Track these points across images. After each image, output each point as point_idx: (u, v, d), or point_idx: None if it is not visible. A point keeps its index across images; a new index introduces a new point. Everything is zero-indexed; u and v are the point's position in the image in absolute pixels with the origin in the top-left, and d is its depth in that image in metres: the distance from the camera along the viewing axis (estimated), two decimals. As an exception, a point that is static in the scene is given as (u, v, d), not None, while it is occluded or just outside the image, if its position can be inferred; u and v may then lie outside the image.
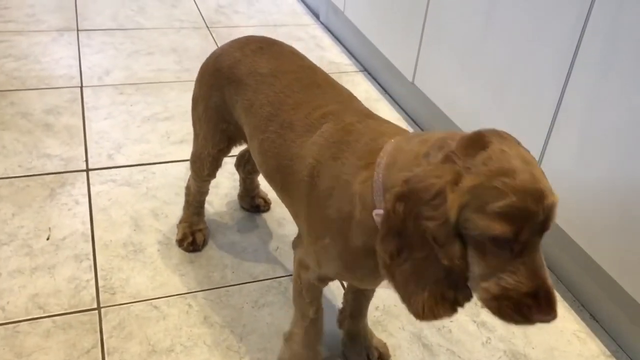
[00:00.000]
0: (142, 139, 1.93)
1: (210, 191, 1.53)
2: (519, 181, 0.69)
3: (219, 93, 1.27)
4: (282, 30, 2.84)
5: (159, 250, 1.51)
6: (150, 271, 1.45)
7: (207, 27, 2.79)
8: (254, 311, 1.38)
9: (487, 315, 1.40)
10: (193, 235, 1.52)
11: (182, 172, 1.77)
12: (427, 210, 0.72)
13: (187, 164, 1.85)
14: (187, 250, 1.51)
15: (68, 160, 1.80)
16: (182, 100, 2.16)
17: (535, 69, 1.51)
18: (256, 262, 1.51)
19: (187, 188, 1.52)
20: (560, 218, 1.50)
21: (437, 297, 0.76)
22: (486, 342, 1.37)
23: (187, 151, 1.88)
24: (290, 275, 1.46)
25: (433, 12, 1.93)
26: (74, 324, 1.30)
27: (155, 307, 1.36)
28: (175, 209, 1.63)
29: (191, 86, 2.31)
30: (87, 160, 1.80)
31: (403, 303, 0.79)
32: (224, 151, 1.37)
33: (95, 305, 1.35)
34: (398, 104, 2.30)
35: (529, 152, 0.75)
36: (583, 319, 1.46)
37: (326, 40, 2.80)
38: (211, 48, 2.56)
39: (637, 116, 1.23)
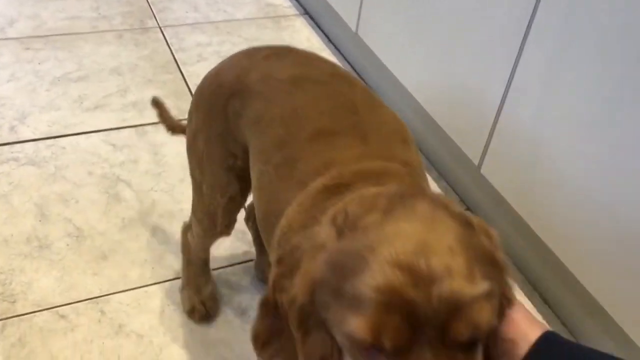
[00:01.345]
0: (52, 106, 1.70)
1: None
2: (388, 252, 0.46)
3: (221, 115, 0.92)
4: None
5: (67, 245, 1.33)
6: (58, 271, 1.28)
7: (129, -37, 2.48)
8: (176, 315, 1.23)
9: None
10: (204, 304, 1.22)
11: (96, 146, 1.57)
12: (286, 287, 0.53)
13: (102, 134, 1.65)
14: (200, 322, 1.22)
15: (-38, 134, 1.56)
16: (98, 55, 1.92)
17: (488, 33, 1.34)
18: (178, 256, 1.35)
19: (186, 246, 1.19)
20: (503, 193, 1.38)
21: None
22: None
23: (102, 119, 1.67)
24: (218, 268, 1.31)
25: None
26: None
27: (62, 316, 1.20)
28: (87, 192, 1.44)
29: (110, 38, 2.07)
30: (-16, 134, 1.57)
31: None
32: (236, 200, 1.01)
33: (-10, 318, 1.18)
34: (342, 55, 2.10)
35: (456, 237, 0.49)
36: (535, 305, 1.37)
37: (264, -23, 2.53)
38: (134, -11, 2.28)
39: (593, 90, 1.09)
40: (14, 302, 1.21)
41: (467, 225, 0.51)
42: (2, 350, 1.13)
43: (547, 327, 0.57)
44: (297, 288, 0.51)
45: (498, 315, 0.51)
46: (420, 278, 0.45)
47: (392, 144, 0.80)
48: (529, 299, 1.36)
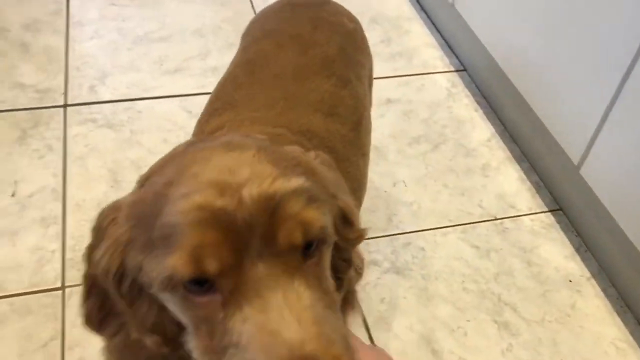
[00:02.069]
0: (132, 66, 1.68)
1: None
2: (190, 177, 0.42)
3: None
4: None
5: (137, 215, 1.32)
6: (126, 241, 1.27)
7: None
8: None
9: (511, 314, 1.20)
10: None
11: (173, 112, 1.53)
12: (96, 257, 0.47)
13: (179, 100, 1.61)
14: None
15: (44, 92, 1.57)
16: (182, 14, 1.87)
17: (609, 16, 1.18)
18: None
19: None
20: (602, 197, 1.24)
21: None
22: (507, 349, 1.18)
23: (181, 84, 1.64)
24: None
25: None
26: (34, 307, 1.14)
27: (127, 288, 1.19)
28: (161, 161, 1.42)
29: (196, -7, 2.02)
30: (65, 94, 1.57)
31: None
32: None
33: (59, 284, 1.18)
34: (435, 26, 1.96)
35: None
36: (626, 324, 1.24)
37: (357, -64, 2.39)
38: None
39: None
40: (80, 270, 1.21)
41: (280, 147, 0.48)
42: (68, 318, 1.13)
43: None
44: (105, 256, 0.45)
45: (336, 225, 0.48)
46: (228, 188, 0.40)
47: (307, 114, 0.79)
48: (621, 317, 1.23)
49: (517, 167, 1.52)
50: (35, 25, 1.76)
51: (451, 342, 1.18)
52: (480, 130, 1.62)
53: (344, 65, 0.89)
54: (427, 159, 1.52)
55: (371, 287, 1.25)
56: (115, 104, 1.56)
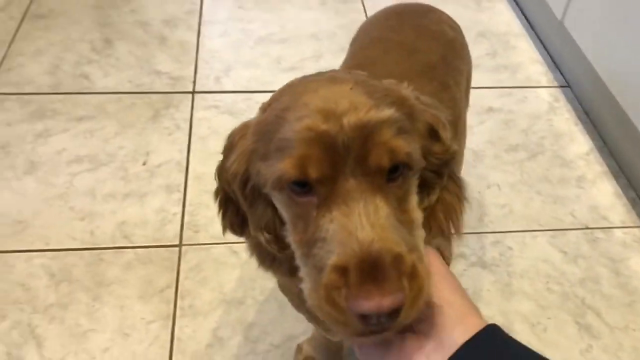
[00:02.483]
0: (253, 63, 1.85)
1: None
2: (302, 105, 0.50)
3: None
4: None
5: (248, 191, 1.46)
6: (236, 212, 1.41)
7: None
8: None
9: (594, 318, 1.23)
10: None
11: (286, 105, 1.68)
12: (227, 165, 0.57)
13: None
14: None
15: (177, 79, 1.76)
16: (300, 19, 2.03)
17: None
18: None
19: None
20: None
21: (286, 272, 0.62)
22: (586, 350, 1.20)
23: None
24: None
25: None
26: (154, 259, 1.31)
27: (235, 252, 1.33)
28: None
29: (313, 4, 2.18)
30: (194, 82, 1.76)
31: None
32: None
33: (177, 242, 1.34)
34: (542, 43, 2.00)
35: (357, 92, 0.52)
36: None
37: (472, -44, 2.47)
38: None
39: None
40: (197, 231, 1.37)
41: (369, 77, 0.56)
42: (183, 270, 1.29)
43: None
44: (235, 163, 0.55)
45: (424, 140, 0.54)
46: (331, 115, 0.49)
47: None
48: None
49: (614, 182, 1.54)
50: (173, 21, 1.98)
51: (530, 335, 1.22)
52: (579, 144, 1.64)
53: (444, 71, 0.97)
54: (523, 167, 1.57)
55: (456, 276, 1.32)
56: (236, 94, 1.73)
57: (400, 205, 0.51)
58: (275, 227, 0.57)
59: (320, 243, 0.49)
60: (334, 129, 0.48)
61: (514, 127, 1.68)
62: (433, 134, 0.56)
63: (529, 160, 1.59)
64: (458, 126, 0.95)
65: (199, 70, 1.80)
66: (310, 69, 1.82)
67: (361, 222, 0.48)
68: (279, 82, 1.78)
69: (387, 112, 0.50)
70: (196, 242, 1.34)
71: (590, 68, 1.64)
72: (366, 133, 0.48)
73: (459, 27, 1.10)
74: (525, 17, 2.11)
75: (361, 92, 0.51)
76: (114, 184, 1.45)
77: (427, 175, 0.57)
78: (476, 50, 1.94)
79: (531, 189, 1.51)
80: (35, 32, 1.89)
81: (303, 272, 0.52)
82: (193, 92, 1.72)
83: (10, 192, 1.42)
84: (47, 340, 1.16)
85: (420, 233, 0.54)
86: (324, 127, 0.48)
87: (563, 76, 1.86)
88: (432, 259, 0.54)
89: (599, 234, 1.42)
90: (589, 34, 1.67)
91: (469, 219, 1.44)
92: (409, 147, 0.51)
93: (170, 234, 1.36)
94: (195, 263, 1.30)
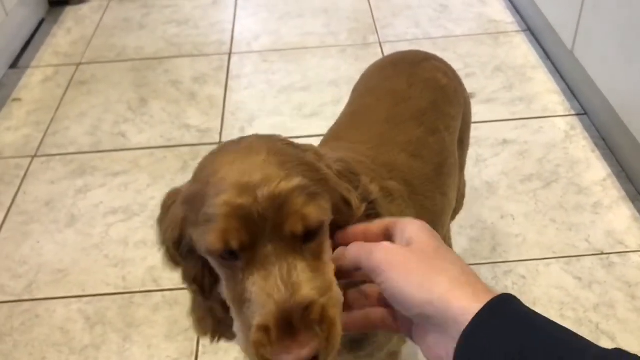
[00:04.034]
0: (276, 111, 1.96)
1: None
2: (219, 179, 0.57)
3: None
4: (442, -17, 2.63)
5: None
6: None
7: (363, -17, 2.68)
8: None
9: (609, 343, 1.23)
10: None
11: (306, 149, 1.77)
12: (162, 228, 0.65)
13: (314, 139, 1.83)
14: None
15: (204, 132, 1.89)
16: (321, 68, 2.14)
17: None
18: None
19: None
20: None
21: (197, 319, 0.70)
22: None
23: (314, 126, 1.88)
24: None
25: (596, -28, 1.63)
26: (180, 300, 1.40)
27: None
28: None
29: (334, 52, 2.30)
30: (221, 133, 1.88)
31: None
32: None
33: (201, 284, 1.43)
34: (559, 73, 2.02)
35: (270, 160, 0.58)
36: None
37: (491, -7, 2.54)
38: (364, 7, 2.48)
39: None
40: (220, 273, 1.45)
41: (288, 144, 0.63)
42: (205, 311, 1.37)
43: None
44: (168, 229, 0.62)
45: (336, 213, 0.60)
46: (247, 189, 0.55)
47: (394, 152, 0.94)
48: None
49: (631, 205, 1.54)
50: (203, 78, 2.13)
51: None
52: (596, 170, 1.65)
53: (434, 117, 1.02)
54: (537, 196, 1.59)
55: (469, 307, 1.35)
56: (259, 142, 1.83)
57: (314, 256, 0.58)
58: (202, 279, 0.64)
59: (247, 303, 0.57)
60: (249, 201, 0.55)
61: (529, 158, 1.71)
62: (346, 203, 0.63)
63: (543, 189, 1.61)
64: (444, 168, 1.00)
65: (225, 122, 1.92)
66: (330, 113, 1.92)
67: (277, 283, 0.55)
68: (300, 127, 1.90)
69: (296, 181, 0.56)
70: (219, 283, 1.43)
71: (602, 96, 1.66)
72: (279, 203, 0.55)
73: (454, 73, 1.15)
74: (542, 49, 2.15)
75: (273, 163, 0.57)
76: (145, 232, 1.57)
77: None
78: (492, 85, 2.00)
79: (545, 218, 1.53)
80: (79, 97, 2.07)
81: (236, 327, 0.60)
82: (219, 143, 1.84)
83: (53, 244, 1.55)
84: (81, 379, 1.26)
85: (331, 269, 0.60)
86: (240, 201, 0.55)
87: (580, 104, 1.88)
88: (420, 233, 0.56)
89: (614, 258, 1.42)
90: (597, 63, 1.69)
91: (483, 249, 1.47)
92: (320, 212, 0.57)
93: (195, 276, 1.45)
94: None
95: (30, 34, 2.41)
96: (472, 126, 1.80)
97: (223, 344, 1.29)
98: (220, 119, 1.94)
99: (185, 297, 1.38)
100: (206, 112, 1.97)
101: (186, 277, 0.65)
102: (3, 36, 2.18)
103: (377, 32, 2.32)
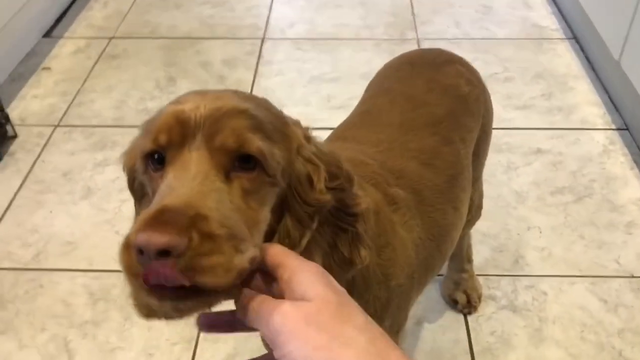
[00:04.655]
0: (303, 100, 1.91)
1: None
2: (178, 100, 0.56)
3: None
4: (487, -16, 2.55)
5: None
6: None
7: (407, -22, 2.61)
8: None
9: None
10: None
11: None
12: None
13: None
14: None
15: (229, 115, 1.85)
16: (353, 60, 2.08)
17: None
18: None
19: None
20: None
21: None
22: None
23: (341, 118, 1.81)
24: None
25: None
26: (186, 284, 1.36)
27: None
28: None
29: (368, 45, 2.23)
30: (245, 118, 1.84)
31: None
32: None
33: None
34: (602, 85, 1.93)
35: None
36: None
37: (537, -3, 2.44)
38: (404, 2, 2.41)
39: None
40: (229, 260, 1.41)
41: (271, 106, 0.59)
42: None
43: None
44: (124, 161, 0.61)
45: (294, 193, 0.56)
46: (195, 103, 0.53)
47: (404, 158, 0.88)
48: None
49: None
50: (233, 62, 2.09)
51: (558, 386, 1.16)
52: (633, 188, 1.56)
53: (451, 127, 0.95)
54: (567, 209, 1.51)
55: (484, 320, 1.28)
56: (283, 130, 1.79)
57: (246, 199, 0.52)
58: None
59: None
60: (190, 109, 0.53)
61: (562, 170, 1.63)
62: (308, 179, 0.57)
63: (575, 204, 1.53)
64: (456, 180, 0.93)
65: (251, 107, 1.88)
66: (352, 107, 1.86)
67: (182, 185, 0.49)
68: (327, 119, 1.84)
69: (247, 106, 0.53)
70: (227, 270, 1.39)
71: (646, 110, 1.58)
72: (219, 116, 0.52)
73: (478, 79, 1.07)
74: (587, 59, 2.05)
75: (234, 96, 0.55)
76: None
77: (301, 216, 0.58)
78: (530, 92, 1.92)
79: (574, 233, 1.45)
80: (108, 71, 2.05)
81: None
82: (243, 128, 1.80)
83: (66, 215, 1.53)
84: (78, 354, 1.24)
85: (258, 240, 0.53)
86: (181, 108, 0.53)
87: (622, 118, 1.79)
88: (318, 286, 0.49)
89: (645, 283, 1.34)
90: (644, 75, 1.60)
91: (505, 260, 1.40)
92: (264, 144, 0.52)
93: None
94: (224, 290, 1.34)
95: (67, 4, 2.40)
96: (506, 132, 1.74)
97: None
98: (246, 104, 1.89)
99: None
100: (233, 95, 1.93)
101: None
102: (39, 5, 2.17)
103: (415, 29, 2.25)
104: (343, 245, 0.60)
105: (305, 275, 0.49)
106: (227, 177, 0.52)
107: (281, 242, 0.56)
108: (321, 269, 0.51)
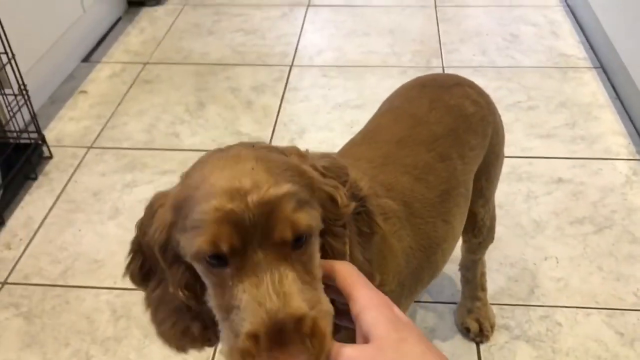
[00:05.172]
0: (327, 126, 1.95)
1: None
2: (210, 185, 0.57)
3: None
4: (515, 12, 2.56)
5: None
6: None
7: (434, 5, 2.65)
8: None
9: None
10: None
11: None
12: (149, 231, 0.63)
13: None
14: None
15: (254, 139, 1.89)
16: (379, 87, 2.12)
17: None
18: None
19: None
20: None
21: (181, 330, 0.66)
22: None
23: (364, 145, 1.85)
24: (425, 302, 1.35)
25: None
26: (205, 304, 1.40)
27: None
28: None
29: (394, 72, 2.26)
30: (270, 142, 1.89)
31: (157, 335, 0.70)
32: None
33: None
34: (628, 115, 1.92)
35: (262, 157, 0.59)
36: None
37: (565, 26, 2.44)
38: (432, 30, 2.45)
39: None
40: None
41: (271, 150, 0.63)
42: (227, 318, 1.36)
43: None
44: (155, 232, 0.61)
45: (325, 206, 0.61)
46: (236, 195, 0.55)
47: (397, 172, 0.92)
48: None
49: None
50: (261, 87, 2.15)
51: (568, 419, 1.15)
52: (655, 221, 1.55)
53: (449, 144, 0.98)
54: (587, 240, 1.51)
55: (496, 349, 1.28)
56: (306, 155, 1.83)
57: (305, 268, 0.57)
58: (193, 287, 0.63)
59: (235, 310, 0.56)
60: (239, 207, 0.55)
61: (583, 199, 1.62)
62: (333, 200, 0.61)
63: (594, 234, 1.52)
64: (449, 195, 0.96)
65: (276, 132, 1.93)
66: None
67: (268, 292, 0.54)
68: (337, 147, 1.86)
69: (286, 187, 0.56)
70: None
71: (670, 141, 1.56)
72: (269, 209, 0.55)
73: (486, 101, 1.09)
74: (613, 88, 2.04)
75: (262, 170, 0.57)
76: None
77: (336, 231, 0.63)
78: (554, 120, 1.92)
79: (592, 264, 1.44)
80: (141, 95, 2.14)
81: (223, 335, 0.59)
82: (267, 152, 1.84)
83: (93, 234, 1.60)
84: (98, 369, 1.28)
85: (320, 281, 0.59)
86: (230, 206, 0.55)
87: (646, 149, 1.77)
88: (379, 324, 0.55)
89: (663, 317, 1.32)
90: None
91: (520, 290, 1.40)
92: (309, 218, 0.57)
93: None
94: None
95: (106, 30, 2.51)
96: (527, 160, 1.75)
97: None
98: (272, 129, 1.95)
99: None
100: (259, 120, 1.99)
101: (175, 284, 0.64)
102: (79, 31, 2.28)
103: (441, 57, 2.28)
104: (363, 225, 0.67)
105: (371, 314, 0.55)
106: (291, 262, 0.57)
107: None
108: (386, 301, 0.56)
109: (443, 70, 2.19)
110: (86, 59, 2.35)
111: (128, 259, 0.68)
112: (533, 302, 1.37)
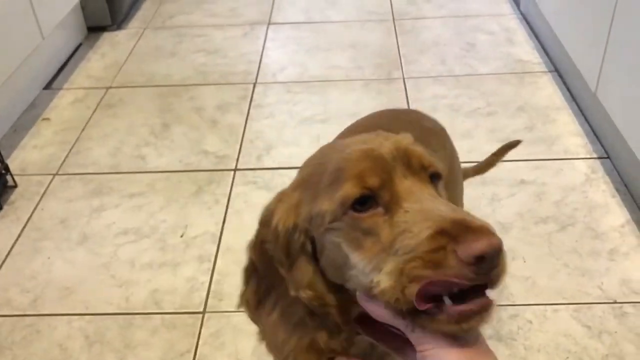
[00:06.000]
0: (294, 141, 1.97)
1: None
2: (344, 146, 0.59)
3: None
4: (471, 22, 2.63)
5: (273, 261, 1.54)
6: (260, 282, 1.49)
7: (393, 19, 2.70)
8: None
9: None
10: None
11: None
12: (266, 235, 0.62)
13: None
14: None
15: (221, 158, 1.91)
16: (343, 101, 2.15)
17: None
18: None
19: None
20: None
21: (307, 344, 0.63)
22: None
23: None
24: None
25: (620, 18, 1.60)
26: (178, 325, 1.40)
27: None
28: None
29: (357, 85, 2.30)
30: (237, 160, 1.89)
31: None
32: None
33: (201, 309, 1.43)
34: (583, 115, 1.98)
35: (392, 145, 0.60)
36: None
37: (520, 34, 2.52)
38: (391, 43, 2.49)
39: None
40: (221, 300, 1.45)
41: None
42: (202, 336, 1.36)
43: None
44: (279, 221, 0.60)
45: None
46: (372, 144, 0.58)
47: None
48: None
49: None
50: (226, 106, 2.16)
51: (543, 414, 1.18)
52: (615, 216, 1.60)
53: None
54: (551, 239, 1.55)
55: (470, 350, 1.30)
56: (274, 170, 1.84)
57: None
58: (316, 286, 0.60)
59: (401, 237, 0.53)
60: (379, 148, 0.58)
61: (546, 200, 1.67)
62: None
63: (558, 233, 1.56)
64: None
65: (242, 150, 1.94)
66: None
67: (434, 203, 0.54)
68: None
69: (419, 145, 0.61)
70: (219, 310, 1.42)
71: (623, 140, 1.62)
72: (405, 149, 0.58)
73: (440, 126, 1.16)
74: (569, 91, 2.11)
75: (394, 135, 0.62)
76: (153, 254, 1.58)
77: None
78: (513, 124, 1.97)
79: (558, 262, 1.48)
80: (105, 119, 2.13)
81: (386, 271, 0.53)
82: (235, 170, 1.85)
83: (62, 261, 1.58)
84: (73, 397, 1.27)
85: None
86: (369, 147, 0.58)
87: (603, 147, 1.83)
88: None
89: (628, 308, 1.36)
90: (619, 106, 1.65)
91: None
92: (440, 164, 0.61)
93: (196, 301, 1.45)
94: (216, 329, 1.38)
95: (67, 57, 2.50)
96: (489, 165, 1.78)
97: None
98: (238, 146, 1.96)
99: (182, 322, 1.38)
100: (226, 139, 2.00)
101: (296, 285, 0.60)
102: (39, 59, 2.26)
103: (402, 68, 2.33)
104: None
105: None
106: (432, 187, 0.59)
107: None
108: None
109: (404, 81, 2.24)
110: (47, 86, 2.33)
111: (242, 288, 0.66)
112: (503, 302, 1.40)
